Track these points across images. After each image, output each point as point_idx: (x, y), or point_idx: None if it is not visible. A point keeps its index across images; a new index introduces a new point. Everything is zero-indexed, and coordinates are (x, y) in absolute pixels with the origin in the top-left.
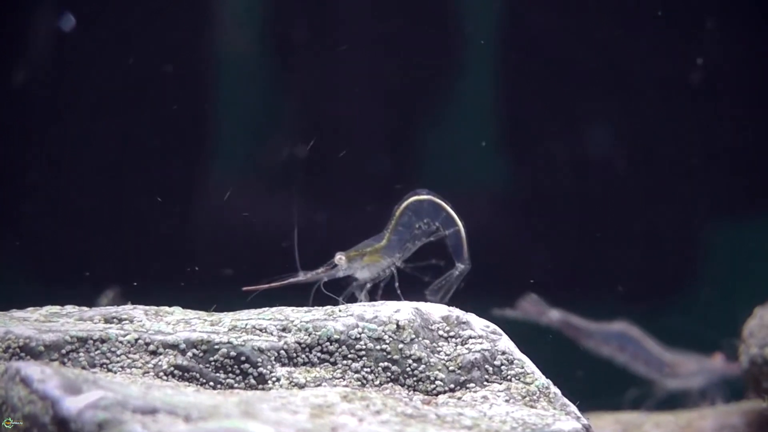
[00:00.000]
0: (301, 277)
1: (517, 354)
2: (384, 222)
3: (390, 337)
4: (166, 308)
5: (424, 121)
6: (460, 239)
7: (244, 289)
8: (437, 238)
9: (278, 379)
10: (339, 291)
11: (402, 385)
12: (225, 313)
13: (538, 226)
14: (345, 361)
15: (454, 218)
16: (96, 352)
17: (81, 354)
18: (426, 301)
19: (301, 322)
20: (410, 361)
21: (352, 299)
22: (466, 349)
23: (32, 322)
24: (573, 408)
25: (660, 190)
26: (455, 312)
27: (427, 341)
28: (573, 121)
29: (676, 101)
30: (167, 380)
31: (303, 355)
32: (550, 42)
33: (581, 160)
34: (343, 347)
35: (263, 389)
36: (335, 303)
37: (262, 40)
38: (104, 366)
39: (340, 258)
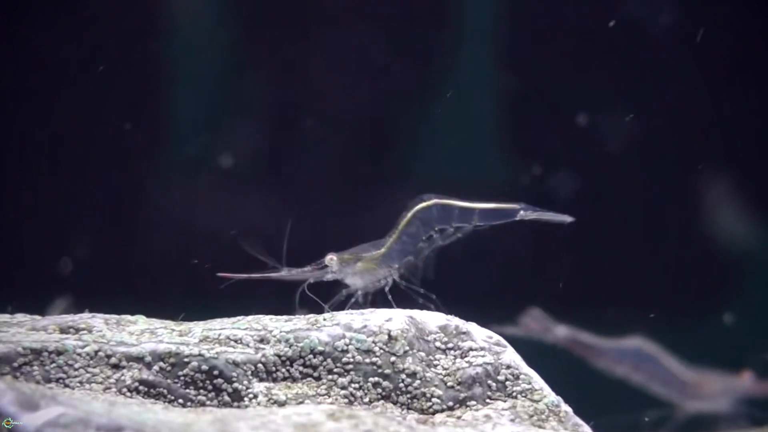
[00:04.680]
0: (284, 273)
1: (524, 368)
2: (377, 223)
3: (381, 349)
4: (129, 317)
5: (419, 118)
6: (492, 211)
7: (219, 274)
8: (465, 234)
9: (255, 396)
10: (327, 297)
11: (394, 403)
12: (195, 322)
13: (545, 234)
14: (330, 376)
15: (469, 207)
16: (51, 366)
17: (35, 367)
18: None
19: (280, 332)
20: (404, 376)
21: (339, 308)
22: (467, 362)
23: None
24: (586, 428)
25: (686, 195)
26: (454, 321)
27: (423, 354)
28: (582, 121)
29: (695, 94)
30: (131, 397)
31: (283, 369)
32: (551, 33)
33: (592, 162)
34: (328, 360)
35: (239, 407)
36: (320, 311)
37: (243, 28)
38: (61, 381)
39: (331, 259)
